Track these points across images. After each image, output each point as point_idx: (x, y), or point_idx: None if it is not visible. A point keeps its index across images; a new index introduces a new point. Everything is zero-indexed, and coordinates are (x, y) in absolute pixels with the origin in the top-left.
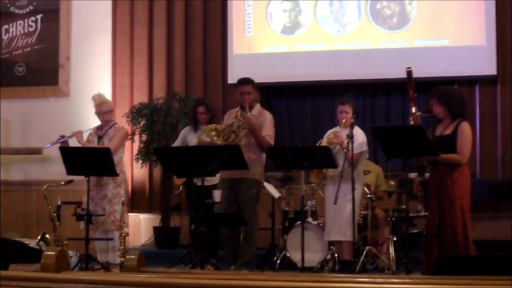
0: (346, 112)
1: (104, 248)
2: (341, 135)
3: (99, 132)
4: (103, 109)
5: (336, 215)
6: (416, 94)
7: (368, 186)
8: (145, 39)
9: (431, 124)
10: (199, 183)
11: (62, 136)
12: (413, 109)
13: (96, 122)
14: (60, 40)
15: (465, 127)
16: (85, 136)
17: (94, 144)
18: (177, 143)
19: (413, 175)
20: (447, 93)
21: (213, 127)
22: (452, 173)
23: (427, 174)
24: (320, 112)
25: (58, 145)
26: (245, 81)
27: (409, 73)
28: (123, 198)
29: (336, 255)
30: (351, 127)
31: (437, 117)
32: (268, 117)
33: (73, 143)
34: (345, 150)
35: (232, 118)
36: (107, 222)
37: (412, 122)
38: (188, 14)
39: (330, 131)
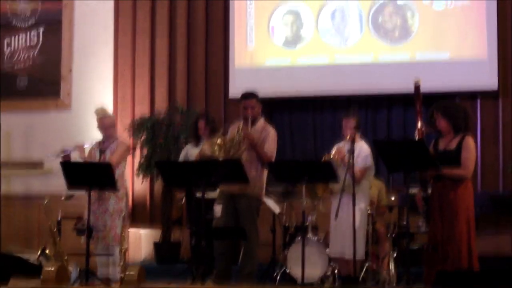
0: (350, 127)
1: (104, 263)
2: (343, 151)
3: (101, 146)
4: (105, 123)
5: (338, 230)
6: (423, 108)
7: (371, 202)
8: (147, 51)
9: (431, 137)
10: (199, 195)
11: (64, 150)
12: (419, 124)
13: (98, 134)
14: (62, 52)
15: (470, 141)
16: (87, 150)
17: (96, 158)
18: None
19: (414, 190)
20: (452, 107)
21: (217, 140)
22: (456, 187)
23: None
24: (322, 126)
25: (60, 158)
26: (249, 95)
27: (417, 87)
28: (123, 213)
29: (336, 271)
30: (352, 141)
31: (440, 131)
32: (271, 132)
33: (74, 155)
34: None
35: (234, 132)
36: (108, 236)
37: (417, 137)
38: (190, 26)
39: (336, 146)
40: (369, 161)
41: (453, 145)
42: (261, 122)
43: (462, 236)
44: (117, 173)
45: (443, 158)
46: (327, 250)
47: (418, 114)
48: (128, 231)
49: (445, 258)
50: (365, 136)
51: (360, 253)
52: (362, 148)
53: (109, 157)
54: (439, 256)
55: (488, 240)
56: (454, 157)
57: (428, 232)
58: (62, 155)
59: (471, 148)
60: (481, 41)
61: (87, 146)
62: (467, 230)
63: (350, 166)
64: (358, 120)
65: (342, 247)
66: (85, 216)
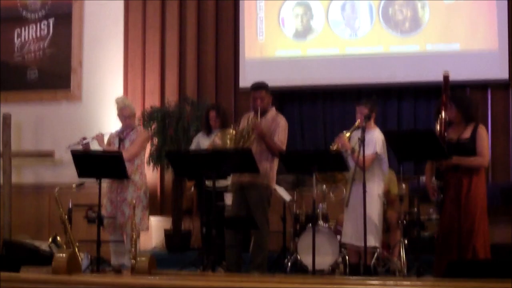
0: (361, 113)
1: (119, 251)
2: (343, 136)
3: (121, 135)
4: (125, 113)
5: (352, 218)
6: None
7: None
8: (157, 43)
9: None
10: (210, 185)
11: (84, 138)
12: (443, 114)
13: (109, 126)
14: (72, 44)
15: (483, 130)
16: (106, 138)
17: (115, 146)
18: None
19: (424, 178)
20: (464, 98)
21: (228, 131)
22: (472, 176)
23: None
24: (331, 116)
25: (80, 147)
26: (258, 86)
27: (446, 78)
28: (134, 201)
29: (347, 258)
30: (362, 130)
31: (451, 120)
32: (281, 122)
33: (94, 145)
34: (348, 151)
35: (245, 123)
36: (126, 225)
37: (438, 127)
38: (200, 18)
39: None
40: (378, 148)
41: (467, 134)
42: (272, 112)
43: (480, 226)
44: (136, 162)
45: (459, 148)
46: (338, 237)
47: (443, 105)
48: (148, 219)
49: (461, 248)
50: None
51: (375, 242)
52: (373, 136)
53: (128, 146)
54: (452, 245)
55: (498, 230)
56: (470, 147)
57: (440, 221)
58: (82, 143)
59: (485, 137)
60: (492, 32)
61: (107, 134)
62: (482, 219)
63: (355, 153)
64: (372, 108)
65: (354, 234)
66: (104, 204)
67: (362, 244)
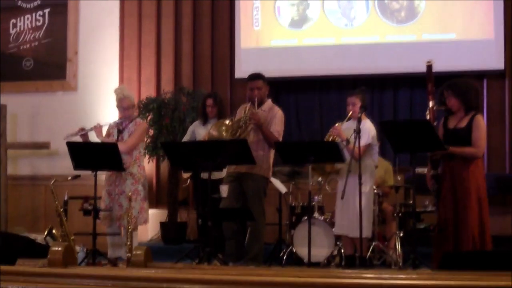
0: (353, 104)
1: (117, 243)
2: (338, 127)
3: (120, 126)
4: (123, 104)
5: (344, 209)
6: (435, 88)
7: (377, 182)
8: (153, 32)
9: (440, 116)
10: (205, 177)
11: (82, 129)
12: (431, 103)
13: (105, 116)
14: (68, 34)
15: (480, 120)
16: (105, 129)
17: (114, 137)
18: (185, 138)
19: (420, 169)
20: (463, 86)
21: (224, 122)
22: (468, 166)
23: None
24: (328, 106)
25: (78, 137)
26: (255, 77)
27: (429, 67)
28: (129, 193)
29: (342, 250)
30: (358, 121)
31: (451, 109)
32: (278, 113)
33: (91, 136)
34: (344, 142)
35: (241, 113)
36: (124, 218)
37: (428, 116)
38: (196, 8)
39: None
40: (370, 139)
41: (464, 123)
42: (268, 103)
43: (474, 215)
44: (134, 154)
45: (454, 136)
46: (333, 229)
47: (430, 94)
48: (147, 213)
49: (457, 238)
50: (371, 117)
51: (366, 233)
52: (364, 126)
53: (127, 138)
54: (449, 236)
55: (494, 220)
56: (465, 136)
57: (438, 212)
58: (80, 134)
59: (482, 127)
60: (488, 21)
61: (105, 125)
62: (478, 209)
63: (350, 144)
64: (364, 99)
65: (347, 225)
66: (103, 196)
67: (355, 235)
